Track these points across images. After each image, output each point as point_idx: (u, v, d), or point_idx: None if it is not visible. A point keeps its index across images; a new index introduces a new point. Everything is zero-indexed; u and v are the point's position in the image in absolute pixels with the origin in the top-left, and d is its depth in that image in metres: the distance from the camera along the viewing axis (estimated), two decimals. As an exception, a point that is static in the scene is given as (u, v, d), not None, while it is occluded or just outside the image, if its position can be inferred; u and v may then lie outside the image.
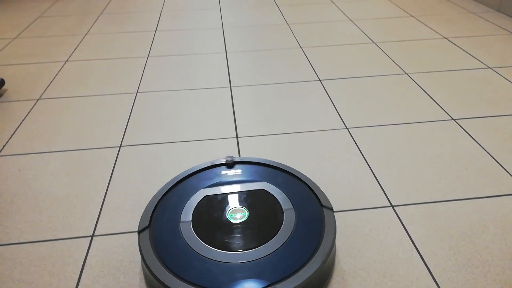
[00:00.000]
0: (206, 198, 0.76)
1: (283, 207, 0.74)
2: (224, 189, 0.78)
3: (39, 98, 1.28)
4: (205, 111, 1.19)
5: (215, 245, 0.66)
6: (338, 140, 1.04)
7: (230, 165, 0.85)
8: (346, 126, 1.10)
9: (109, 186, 0.90)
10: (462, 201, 0.84)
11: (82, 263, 0.72)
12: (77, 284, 0.68)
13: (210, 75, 1.40)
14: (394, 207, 0.82)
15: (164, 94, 1.28)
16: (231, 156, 0.86)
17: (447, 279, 0.67)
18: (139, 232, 0.69)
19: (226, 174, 0.83)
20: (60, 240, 0.76)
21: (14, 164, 0.98)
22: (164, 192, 0.78)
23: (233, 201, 0.75)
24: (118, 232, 0.78)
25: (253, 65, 1.47)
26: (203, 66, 1.47)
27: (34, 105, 1.24)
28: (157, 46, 1.64)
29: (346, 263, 0.71)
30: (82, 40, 1.72)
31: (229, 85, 1.33)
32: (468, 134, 1.05)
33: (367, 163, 0.95)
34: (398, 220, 0.79)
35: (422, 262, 0.70)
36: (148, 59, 1.53)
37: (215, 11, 2.05)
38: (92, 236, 0.77)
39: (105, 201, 0.86)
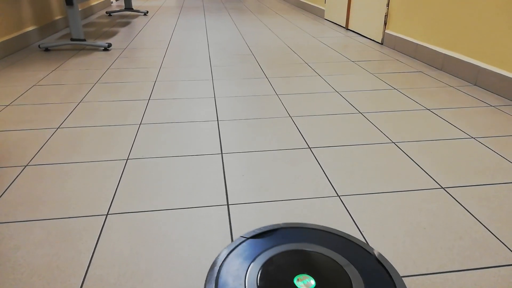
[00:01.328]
0: (269, 262, 0.73)
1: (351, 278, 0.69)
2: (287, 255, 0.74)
3: (27, 165, 1.26)
4: (195, 178, 1.18)
5: None
6: (330, 208, 1.03)
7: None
8: (337, 194, 1.10)
9: (93, 256, 0.86)
10: (459, 272, 0.82)
11: None
12: None
13: (201, 142, 1.42)
14: (391, 279, 0.80)
15: (155, 160, 1.28)
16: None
17: None
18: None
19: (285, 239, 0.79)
20: (37, 318, 0.71)
21: (-5, 233, 0.94)
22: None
23: (300, 268, 0.71)
24: (100, 308, 0.73)
25: (244, 133, 1.50)
26: (195, 133, 1.49)
27: (21, 172, 1.22)
28: (150, 114, 1.68)
29: None
30: (75, 107, 1.75)
31: (220, 152, 1.34)
32: (458, 202, 1.06)
33: (361, 233, 0.94)
34: (396, 293, 0.76)
35: None
36: (140, 127, 1.55)
37: (208, 82, 2.13)
38: (71, 313, 0.72)
39: (87, 273, 0.81)
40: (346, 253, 0.75)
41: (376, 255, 0.74)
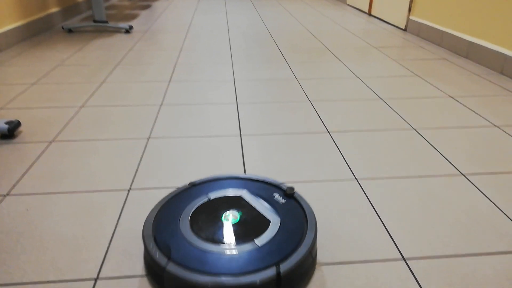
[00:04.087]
0: (201, 205, 0.86)
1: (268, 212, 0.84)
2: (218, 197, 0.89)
3: (53, 141, 1.30)
4: (215, 159, 1.20)
5: (210, 240, 0.76)
6: (348, 191, 1.04)
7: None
8: (355, 177, 1.10)
9: (116, 229, 0.89)
10: (476, 256, 0.81)
11: (84, 307, 0.69)
12: (77, 329, 0.65)
13: (220, 124, 1.43)
14: (407, 260, 0.80)
15: (175, 140, 1.31)
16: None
17: None
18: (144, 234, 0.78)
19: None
20: (64, 282, 0.74)
21: (23, 203, 0.98)
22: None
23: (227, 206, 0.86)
24: (123, 276, 0.76)
25: (263, 116, 1.50)
26: (214, 115, 1.51)
27: (47, 147, 1.26)
28: (171, 96, 1.70)
29: (358, 317, 0.67)
30: (98, 87, 1.79)
31: (239, 134, 1.35)
32: (478, 189, 1.05)
33: (378, 215, 0.94)
34: (411, 274, 0.77)
35: (438, 319, 0.67)
36: (161, 107, 1.57)
37: (227, 65, 2.14)
38: (96, 279, 0.75)
39: (111, 244, 0.85)
40: (260, 190, 0.90)
41: (285, 188, 0.89)
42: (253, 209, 0.83)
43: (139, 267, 0.78)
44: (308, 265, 0.74)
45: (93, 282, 0.74)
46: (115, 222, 0.91)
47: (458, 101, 1.65)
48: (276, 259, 0.70)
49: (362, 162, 1.18)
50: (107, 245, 0.84)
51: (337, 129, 1.39)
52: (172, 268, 0.69)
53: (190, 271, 0.68)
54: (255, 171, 1.13)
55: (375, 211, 0.96)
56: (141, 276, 0.76)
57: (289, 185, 0.90)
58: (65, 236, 0.87)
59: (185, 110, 1.55)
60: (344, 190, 1.04)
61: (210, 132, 1.37)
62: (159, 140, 1.31)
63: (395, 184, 1.07)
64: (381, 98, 1.68)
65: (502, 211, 0.96)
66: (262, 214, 0.81)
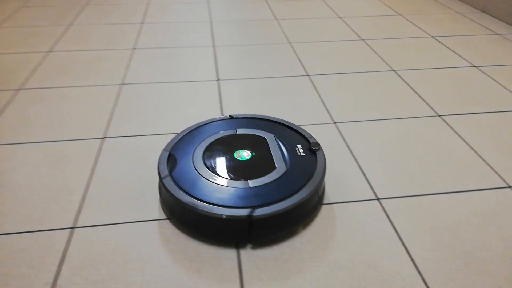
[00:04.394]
0: (224, 137, 0.89)
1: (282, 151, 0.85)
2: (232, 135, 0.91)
3: (20, 88, 1.24)
4: (192, 104, 1.17)
5: (219, 174, 0.79)
6: (326, 135, 1.04)
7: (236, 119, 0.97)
8: (333, 121, 1.10)
9: (92, 177, 0.88)
10: (446, 194, 0.84)
11: (62, 255, 0.70)
12: (57, 276, 0.66)
13: (197, 68, 1.38)
14: (380, 200, 0.82)
15: (150, 86, 1.26)
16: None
17: (430, 270, 0.67)
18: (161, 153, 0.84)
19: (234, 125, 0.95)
20: (39, 232, 0.74)
21: (-7, 154, 0.95)
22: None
23: (240, 144, 0.87)
24: (100, 224, 0.76)
25: (241, 59, 1.46)
26: (191, 59, 1.45)
27: (14, 95, 1.20)
28: (144, 38, 1.62)
29: (332, 254, 0.70)
30: (66, 31, 1.68)
31: (216, 79, 1.32)
32: (453, 130, 1.06)
33: (354, 157, 0.95)
34: (384, 213, 0.79)
35: (406, 253, 0.71)
36: (135, 51, 1.50)
37: (203, 5, 2.03)
38: (73, 228, 0.75)
39: (87, 193, 0.84)
40: (287, 138, 0.90)
41: (311, 143, 0.88)
42: (268, 153, 0.84)
43: (116, 215, 0.78)
44: (289, 219, 0.73)
45: (70, 231, 0.74)
46: (90, 171, 0.90)
47: (439, 41, 1.62)
48: (256, 203, 0.71)
49: (341, 106, 1.17)
50: (82, 194, 0.83)
51: (317, 72, 1.36)
52: (167, 181, 0.76)
53: (178, 188, 0.74)
54: (233, 116, 1.11)
55: (352, 154, 0.97)
56: (118, 223, 0.76)
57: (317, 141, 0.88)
58: (39, 186, 0.85)
59: (160, 54, 1.49)
60: (322, 134, 1.04)
61: (186, 77, 1.32)
62: (133, 86, 1.26)
63: (371, 126, 1.07)
64: (362, 39, 1.64)
65: (474, 150, 0.98)
66: (273, 160, 0.82)
